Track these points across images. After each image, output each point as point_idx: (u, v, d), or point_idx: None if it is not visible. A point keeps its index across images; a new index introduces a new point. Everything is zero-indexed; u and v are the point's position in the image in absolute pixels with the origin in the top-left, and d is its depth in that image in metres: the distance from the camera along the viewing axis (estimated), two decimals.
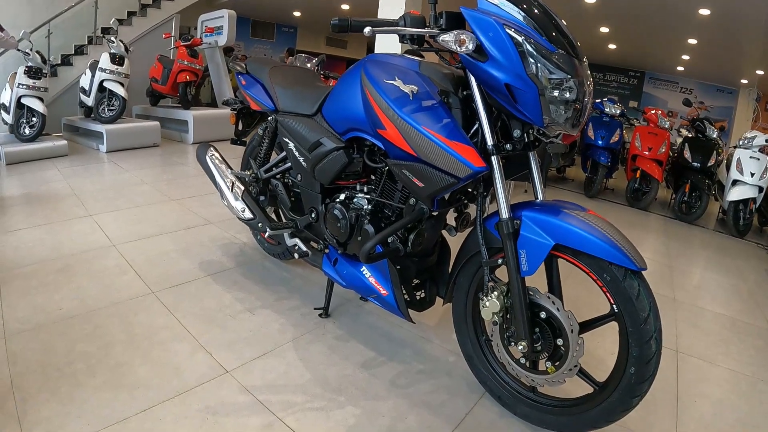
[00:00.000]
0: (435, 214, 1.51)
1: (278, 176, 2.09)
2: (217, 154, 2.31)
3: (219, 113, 6.20)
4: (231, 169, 2.26)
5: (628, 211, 5.06)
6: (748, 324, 2.54)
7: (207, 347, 1.69)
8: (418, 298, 1.62)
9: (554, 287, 1.33)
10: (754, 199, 4.63)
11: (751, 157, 4.69)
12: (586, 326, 1.30)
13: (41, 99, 4.82)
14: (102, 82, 5.25)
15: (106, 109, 5.34)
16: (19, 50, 4.71)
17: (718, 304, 2.80)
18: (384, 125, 1.36)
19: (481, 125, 1.27)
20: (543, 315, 1.28)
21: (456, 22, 1.31)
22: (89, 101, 5.41)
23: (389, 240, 1.47)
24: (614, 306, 1.19)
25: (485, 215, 1.38)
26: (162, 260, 2.38)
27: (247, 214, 2.04)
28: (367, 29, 1.25)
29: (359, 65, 1.54)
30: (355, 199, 1.63)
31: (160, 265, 2.32)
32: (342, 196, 1.66)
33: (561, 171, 6.42)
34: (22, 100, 4.72)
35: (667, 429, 1.53)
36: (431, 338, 1.86)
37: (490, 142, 1.25)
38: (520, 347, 1.28)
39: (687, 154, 5.04)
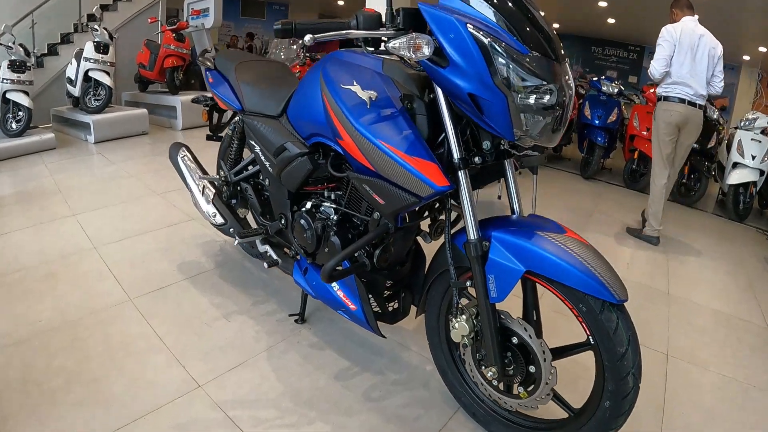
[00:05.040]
0: (401, 227, 1.42)
1: (249, 179, 2.04)
2: (188, 155, 2.27)
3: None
4: (202, 169, 2.23)
5: (625, 192, 5.01)
6: (744, 321, 2.49)
7: (181, 359, 1.69)
8: (390, 309, 1.58)
9: (528, 311, 1.27)
10: (754, 183, 4.56)
11: (752, 140, 4.61)
12: (561, 352, 1.25)
13: (26, 93, 4.77)
14: (87, 71, 5.18)
15: (92, 99, 5.29)
16: (1, 44, 4.65)
17: (714, 298, 2.75)
18: (341, 135, 1.28)
19: (446, 137, 1.17)
20: (515, 340, 1.23)
21: (415, 20, 1.17)
22: (75, 92, 5.34)
23: (355, 254, 1.42)
24: (590, 337, 1.13)
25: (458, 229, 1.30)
26: (142, 262, 2.37)
27: (219, 219, 2.02)
28: (307, 37, 1.11)
29: (319, 66, 1.45)
30: (322, 208, 1.58)
31: (139, 267, 2.32)
32: (308, 205, 1.60)
33: (557, 150, 6.34)
34: (7, 95, 4.67)
35: None
36: (409, 345, 1.85)
37: (456, 156, 1.15)
38: (490, 374, 1.24)
39: None
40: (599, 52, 11.52)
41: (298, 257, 1.79)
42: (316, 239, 1.55)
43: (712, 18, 6.69)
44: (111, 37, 5.39)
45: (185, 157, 2.25)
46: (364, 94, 1.24)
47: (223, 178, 2.15)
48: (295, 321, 1.94)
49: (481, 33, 1.05)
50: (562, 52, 1.12)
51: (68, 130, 5.63)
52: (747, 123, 4.76)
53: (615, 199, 4.72)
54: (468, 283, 1.25)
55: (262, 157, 1.76)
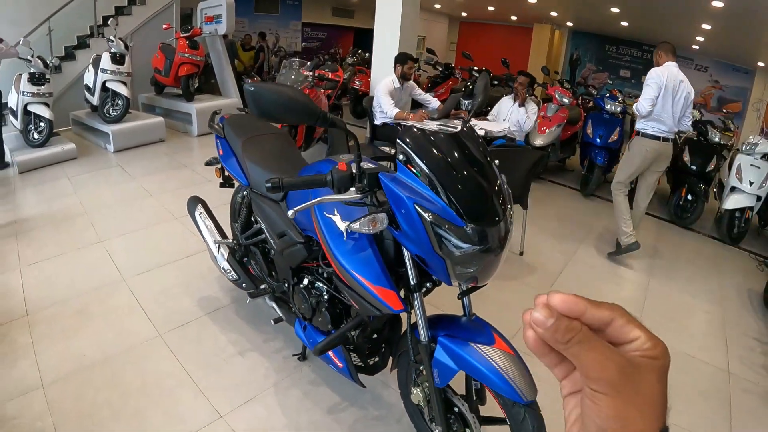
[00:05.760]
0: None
1: (257, 244, 2.44)
2: (204, 212, 2.72)
3: (222, 104, 6.61)
4: (217, 224, 2.71)
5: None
6: (706, 364, 2.78)
7: (205, 393, 2.19)
8: (371, 363, 2.04)
9: (469, 390, 1.71)
10: (751, 208, 4.81)
11: (752, 165, 4.84)
12: (488, 422, 1.69)
13: (47, 104, 5.25)
14: (104, 82, 5.66)
15: (110, 109, 5.77)
16: (20, 58, 5.11)
17: (682, 339, 3.02)
18: (324, 252, 1.69)
19: (406, 268, 1.53)
20: (456, 409, 1.68)
21: (378, 182, 1.46)
22: (94, 100, 5.83)
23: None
24: (506, 418, 1.56)
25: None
26: (166, 297, 2.87)
27: (233, 276, 2.49)
28: (290, 213, 1.45)
29: None
30: (317, 284, 2.00)
31: (164, 303, 2.82)
32: (306, 281, 2.02)
33: (562, 161, 6.69)
34: (29, 107, 5.16)
35: None
36: (389, 383, 2.31)
37: (412, 282, 1.52)
38: (437, 430, 1.70)
39: (686, 157, 5.25)
40: (613, 50, 11.73)
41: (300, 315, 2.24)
42: (312, 311, 1.99)
43: (729, 24, 6.97)
44: (127, 46, 5.84)
45: (201, 214, 2.70)
46: (342, 225, 1.57)
47: (235, 240, 2.60)
48: (298, 359, 2.43)
49: (425, 211, 1.34)
50: (504, 209, 1.41)
51: (87, 136, 6.15)
52: (748, 148, 5.00)
53: (611, 223, 4.95)
54: (421, 368, 1.68)
55: (267, 234, 2.18)
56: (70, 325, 2.59)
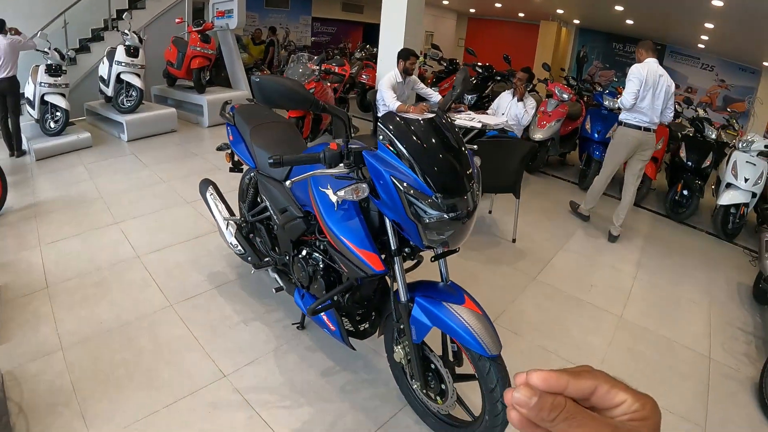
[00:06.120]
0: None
1: (262, 221, 2.69)
2: (215, 193, 2.98)
3: (233, 95, 6.87)
4: (226, 204, 2.95)
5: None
6: (689, 349, 2.89)
7: (211, 355, 2.43)
8: (361, 329, 2.27)
9: (445, 347, 1.92)
10: (746, 204, 4.92)
11: (747, 162, 4.94)
12: (460, 378, 1.91)
13: (63, 95, 5.55)
14: (119, 74, 5.93)
15: (124, 100, 6.05)
16: (38, 50, 5.40)
17: (666, 325, 3.13)
18: (319, 222, 1.93)
19: (387, 234, 1.76)
20: (433, 366, 1.90)
21: (362, 159, 1.71)
22: (108, 92, 6.11)
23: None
24: (475, 373, 1.77)
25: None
26: (178, 272, 3.13)
27: (239, 250, 2.74)
28: (287, 183, 1.71)
29: None
30: (314, 255, 2.23)
31: (176, 277, 3.07)
32: (304, 252, 2.26)
33: (563, 156, 6.83)
34: (45, 98, 5.46)
35: None
36: (380, 351, 2.53)
37: (393, 247, 1.75)
38: (415, 386, 1.93)
39: (682, 153, 5.40)
40: (620, 48, 11.91)
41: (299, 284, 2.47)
42: (309, 279, 2.22)
43: (734, 24, 7.08)
44: (140, 39, 6.11)
45: (212, 195, 2.96)
46: (334, 198, 1.80)
47: (242, 218, 2.85)
48: (297, 328, 2.66)
49: (399, 182, 1.58)
50: (471, 183, 1.64)
51: (102, 125, 6.44)
52: (744, 145, 5.11)
53: (606, 215, 4.91)
54: (402, 327, 1.89)
55: (271, 210, 2.43)
56: (88, 296, 2.85)
